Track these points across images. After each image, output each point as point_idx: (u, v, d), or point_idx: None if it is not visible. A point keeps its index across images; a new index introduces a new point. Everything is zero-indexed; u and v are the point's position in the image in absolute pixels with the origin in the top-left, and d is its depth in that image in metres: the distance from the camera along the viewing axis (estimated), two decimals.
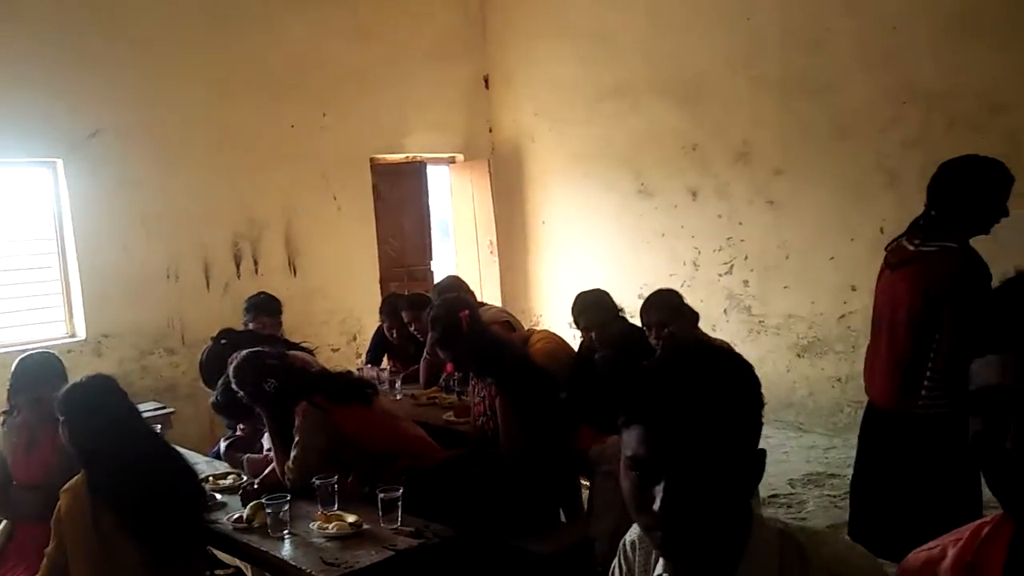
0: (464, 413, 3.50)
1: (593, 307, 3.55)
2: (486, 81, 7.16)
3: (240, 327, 4.09)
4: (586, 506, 3.27)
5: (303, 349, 3.73)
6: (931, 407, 2.51)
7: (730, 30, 5.56)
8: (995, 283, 2.46)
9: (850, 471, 3.23)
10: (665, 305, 3.18)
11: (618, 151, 6.30)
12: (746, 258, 5.69)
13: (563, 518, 3.24)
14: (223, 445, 3.45)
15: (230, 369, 2.98)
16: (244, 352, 3.00)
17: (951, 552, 0.94)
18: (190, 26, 5.46)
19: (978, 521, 0.95)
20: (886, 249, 2.79)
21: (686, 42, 5.80)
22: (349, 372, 3.44)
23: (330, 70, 6.12)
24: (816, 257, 5.31)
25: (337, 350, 6.14)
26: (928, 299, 2.49)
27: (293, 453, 2.84)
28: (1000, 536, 0.89)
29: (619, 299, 3.61)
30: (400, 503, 2.49)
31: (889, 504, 2.67)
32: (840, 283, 5.18)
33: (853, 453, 3.12)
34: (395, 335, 4.54)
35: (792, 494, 4.26)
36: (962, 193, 2.53)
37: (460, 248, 7.48)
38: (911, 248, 2.60)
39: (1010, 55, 4.39)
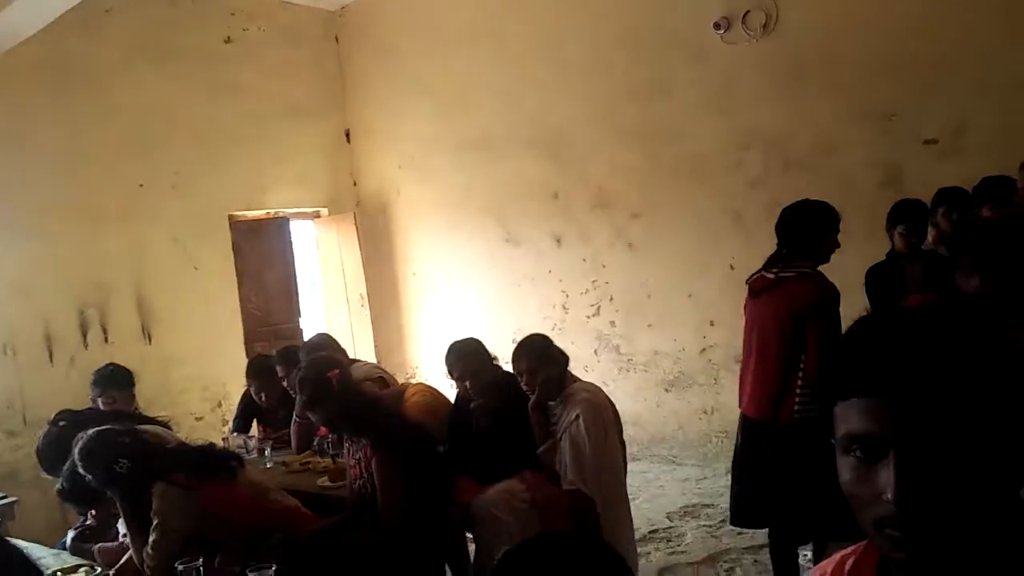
0: (340, 477, 3.37)
1: (467, 356, 3.53)
2: (347, 135, 7.11)
3: (89, 403, 3.77)
4: (472, 559, 3.21)
5: (157, 422, 3.47)
6: (804, 412, 2.87)
7: (586, 82, 5.76)
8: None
9: (723, 500, 3.39)
10: (534, 351, 3.21)
11: (484, 201, 6.38)
12: (611, 299, 5.87)
13: (449, 575, 3.16)
14: (70, 536, 3.13)
15: (75, 451, 2.72)
16: (90, 431, 2.75)
17: None
18: (29, 82, 5.09)
19: (839, 554, 0.94)
20: (747, 282, 3.16)
21: (545, 95, 5.98)
22: (211, 444, 3.22)
23: (184, 127, 5.87)
24: (675, 295, 5.55)
25: (201, 419, 5.78)
26: (794, 317, 2.88)
27: (152, 538, 2.62)
28: (865, 566, 0.88)
29: (494, 346, 3.61)
30: None
31: (771, 497, 3.01)
32: (699, 319, 5.43)
33: (724, 482, 3.30)
34: (263, 398, 4.33)
35: (671, 527, 4.36)
36: (801, 232, 2.97)
37: (329, 304, 7.29)
38: (771, 276, 3.00)
39: (835, 102, 4.76)
